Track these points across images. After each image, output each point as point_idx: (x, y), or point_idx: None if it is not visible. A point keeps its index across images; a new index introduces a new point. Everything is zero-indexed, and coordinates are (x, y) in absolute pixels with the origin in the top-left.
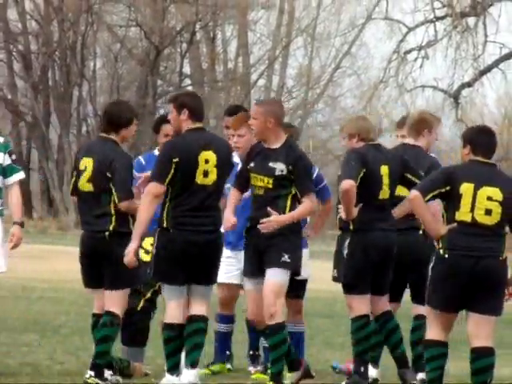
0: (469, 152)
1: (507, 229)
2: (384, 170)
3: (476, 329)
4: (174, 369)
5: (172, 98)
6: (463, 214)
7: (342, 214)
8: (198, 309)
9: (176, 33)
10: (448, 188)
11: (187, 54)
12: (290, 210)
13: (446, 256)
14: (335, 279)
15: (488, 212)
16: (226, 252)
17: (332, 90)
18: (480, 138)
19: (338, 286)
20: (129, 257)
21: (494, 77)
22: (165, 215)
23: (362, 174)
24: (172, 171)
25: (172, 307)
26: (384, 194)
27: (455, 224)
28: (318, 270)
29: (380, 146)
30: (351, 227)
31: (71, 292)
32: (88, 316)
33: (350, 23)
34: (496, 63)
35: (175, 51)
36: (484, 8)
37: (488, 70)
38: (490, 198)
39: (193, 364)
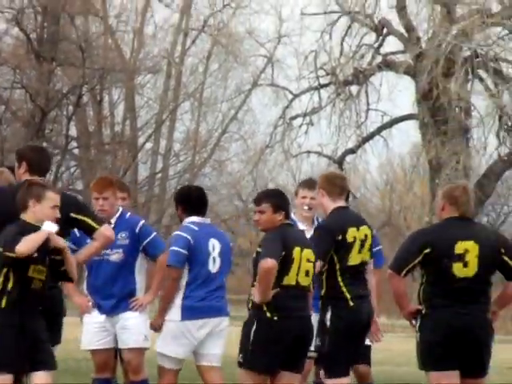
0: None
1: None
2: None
3: None
4: None
5: (15, 152)
6: (291, 278)
7: None
8: None
9: (62, 95)
10: (283, 253)
11: (73, 116)
12: None
13: (276, 318)
14: None
15: (307, 273)
16: (100, 317)
17: (219, 154)
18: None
19: None
20: None
21: (376, 144)
22: None
23: None
24: None
25: None
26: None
27: (278, 289)
28: None
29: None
30: None
31: None
32: None
33: (237, 89)
34: (378, 131)
35: (61, 114)
36: (366, 77)
37: (370, 137)
38: (308, 260)
39: None
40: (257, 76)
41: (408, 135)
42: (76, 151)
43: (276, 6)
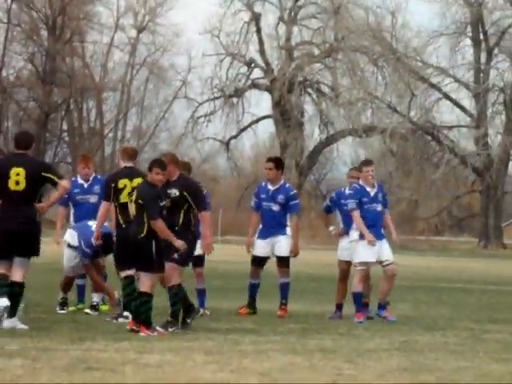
0: None
1: None
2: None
3: None
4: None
5: None
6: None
7: None
8: (16, 275)
9: None
10: None
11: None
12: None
13: None
14: None
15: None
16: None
17: None
18: None
19: None
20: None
21: (247, 133)
22: None
23: None
24: None
25: None
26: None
27: None
28: None
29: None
30: None
31: None
32: None
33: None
34: (250, 125)
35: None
36: (242, 92)
37: (244, 129)
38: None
39: (9, 315)
40: (176, 92)
41: (268, 128)
42: None
43: (188, 49)
